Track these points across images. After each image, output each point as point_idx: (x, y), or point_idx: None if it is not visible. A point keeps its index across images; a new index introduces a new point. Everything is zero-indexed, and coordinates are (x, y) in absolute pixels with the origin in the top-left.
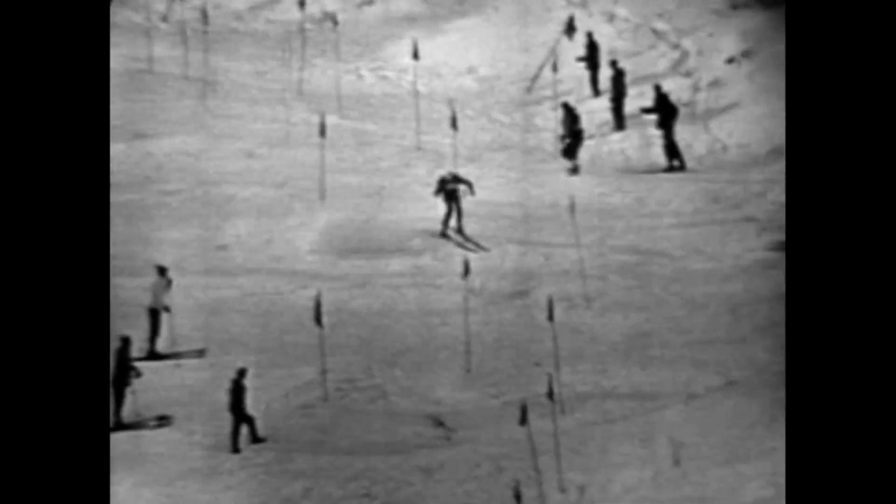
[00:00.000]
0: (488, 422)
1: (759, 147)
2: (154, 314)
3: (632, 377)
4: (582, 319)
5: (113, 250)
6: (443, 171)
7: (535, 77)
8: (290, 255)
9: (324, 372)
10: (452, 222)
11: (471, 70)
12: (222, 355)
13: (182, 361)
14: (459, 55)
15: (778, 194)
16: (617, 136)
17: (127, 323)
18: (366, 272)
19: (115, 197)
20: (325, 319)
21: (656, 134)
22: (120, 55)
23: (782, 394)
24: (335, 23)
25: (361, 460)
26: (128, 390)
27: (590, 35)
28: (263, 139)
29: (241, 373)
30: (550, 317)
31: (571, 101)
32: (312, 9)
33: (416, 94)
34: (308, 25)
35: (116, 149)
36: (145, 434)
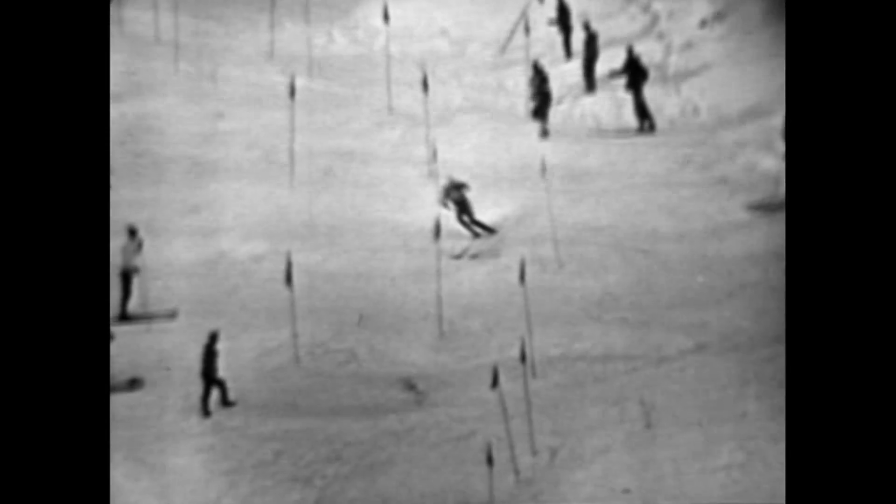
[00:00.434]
0: (460, 385)
1: (730, 109)
2: (125, 276)
3: (603, 339)
4: (553, 282)
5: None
6: (444, 181)
7: (508, 39)
8: (261, 216)
9: (295, 335)
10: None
11: (443, 32)
12: (193, 317)
13: (153, 324)
14: (431, 17)
15: (750, 155)
16: (589, 98)
17: None
18: (337, 234)
19: None
20: (295, 281)
21: (627, 97)
22: None
23: (754, 356)
24: None
25: (333, 424)
26: None
27: None
28: (234, 101)
29: (213, 337)
30: (522, 279)
31: (543, 62)
32: None
33: (388, 56)
34: None
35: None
36: (116, 397)
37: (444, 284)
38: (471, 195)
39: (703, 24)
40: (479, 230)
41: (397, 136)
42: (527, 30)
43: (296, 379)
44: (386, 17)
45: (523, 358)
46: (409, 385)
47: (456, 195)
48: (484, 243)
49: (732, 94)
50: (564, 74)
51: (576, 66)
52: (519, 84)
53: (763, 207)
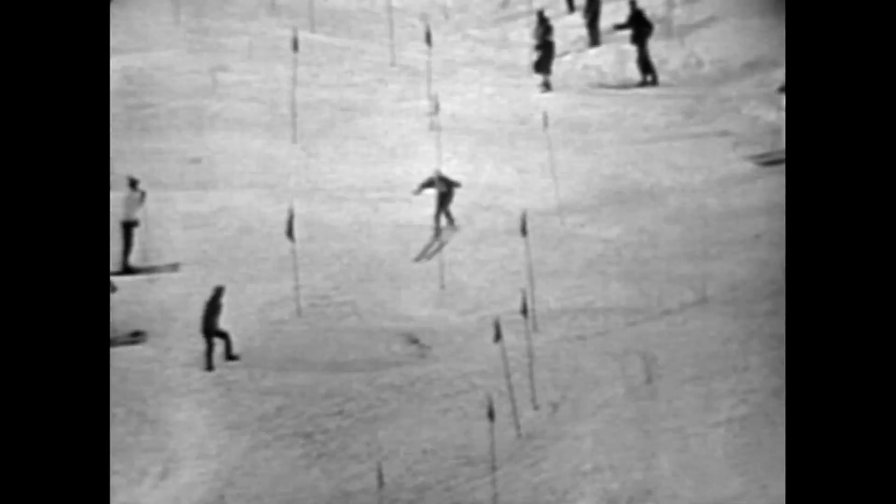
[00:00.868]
0: (462, 339)
1: (733, 61)
2: (127, 228)
3: (605, 293)
4: (556, 235)
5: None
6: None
7: None
8: (262, 168)
9: (297, 288)
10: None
11: None
12: (196, 270)
13: (156, 276)
14: None
15: (752, 108)
16: (592, 51)
17: None
18: (338, 186)
19: None
20: (297, 234)
21: (631, 49)
22: None
23: (757, 309)
24: None
25: (335, 378)
26: None
27: None
28: (236, 54)
29: (219, 291)
30: (524, 232)
31: (548, 12)
32: None
33: (391, 9)
34: None
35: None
36: (119, 350)
37: (445, 236)
38: (464, 173)
39: None
40: (446, 224)
41: (399, 89)
42: None
43: (298, 332)
44: None
45: (525, 311)
46: (412, 339)
47: (442, 187)
48: (484, 196)
49: (736, 48)
50: (567, 28)
51: (578, 19)
52: (522, 36)
53: (765, 160)
